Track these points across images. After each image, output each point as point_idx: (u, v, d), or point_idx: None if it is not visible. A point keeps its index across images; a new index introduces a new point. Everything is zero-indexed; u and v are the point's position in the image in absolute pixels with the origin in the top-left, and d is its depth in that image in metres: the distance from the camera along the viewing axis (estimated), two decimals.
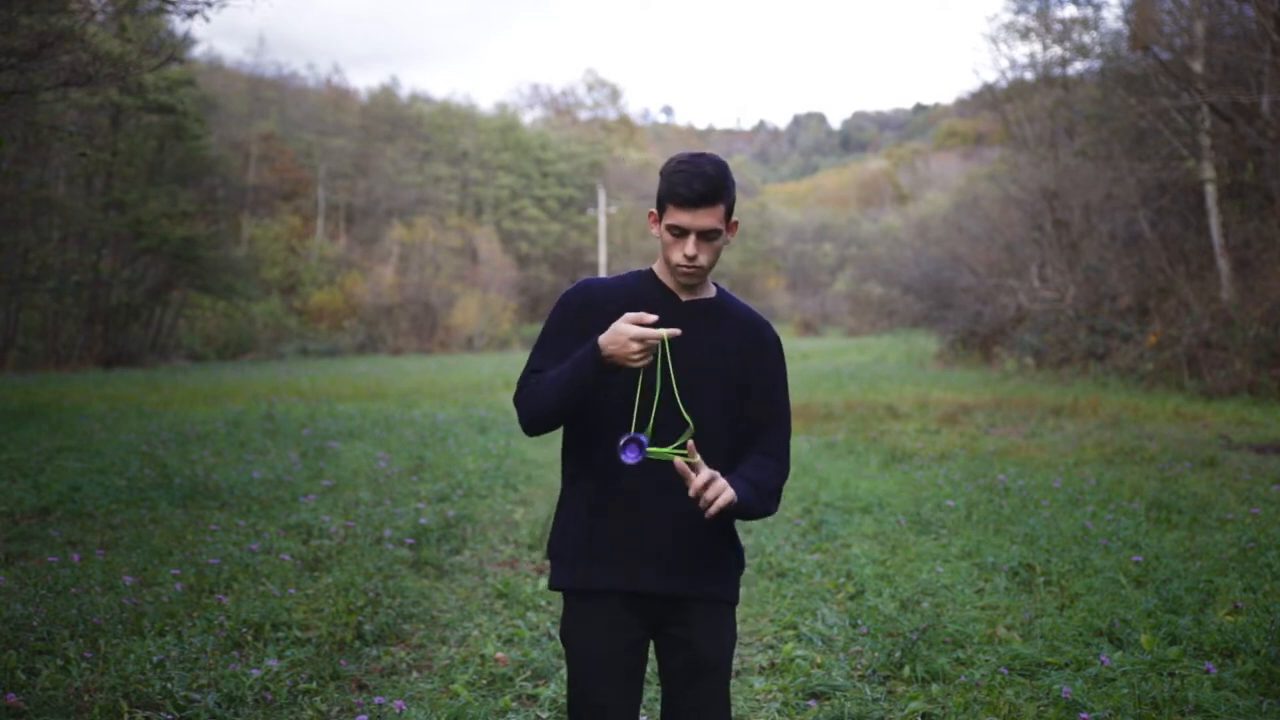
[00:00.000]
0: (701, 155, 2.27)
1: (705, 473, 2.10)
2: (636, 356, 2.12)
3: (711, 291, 2.40)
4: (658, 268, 2.40)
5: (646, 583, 2.29)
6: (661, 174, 2.29)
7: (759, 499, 2.25)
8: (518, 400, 2.34)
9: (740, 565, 2.43)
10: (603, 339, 2.15)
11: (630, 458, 2.12)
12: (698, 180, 2.21)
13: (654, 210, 2.33)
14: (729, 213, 2.29)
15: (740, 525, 6.64)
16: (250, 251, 42.45)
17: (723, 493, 2.09)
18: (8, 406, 13.98)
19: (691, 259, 2.26)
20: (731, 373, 2.33)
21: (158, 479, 7.92)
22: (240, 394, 17.60)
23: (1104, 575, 5.26)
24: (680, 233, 2.25)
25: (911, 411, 14.29)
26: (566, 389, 2.22)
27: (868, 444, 10.96)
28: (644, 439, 2.13)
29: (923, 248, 37.78)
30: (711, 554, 2.34)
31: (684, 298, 2.36)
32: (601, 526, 2.31)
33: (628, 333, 2.12)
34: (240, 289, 35.09)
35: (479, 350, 46.01)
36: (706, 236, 2.25)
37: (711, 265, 2.30)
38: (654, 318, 2.17)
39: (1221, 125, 17.73)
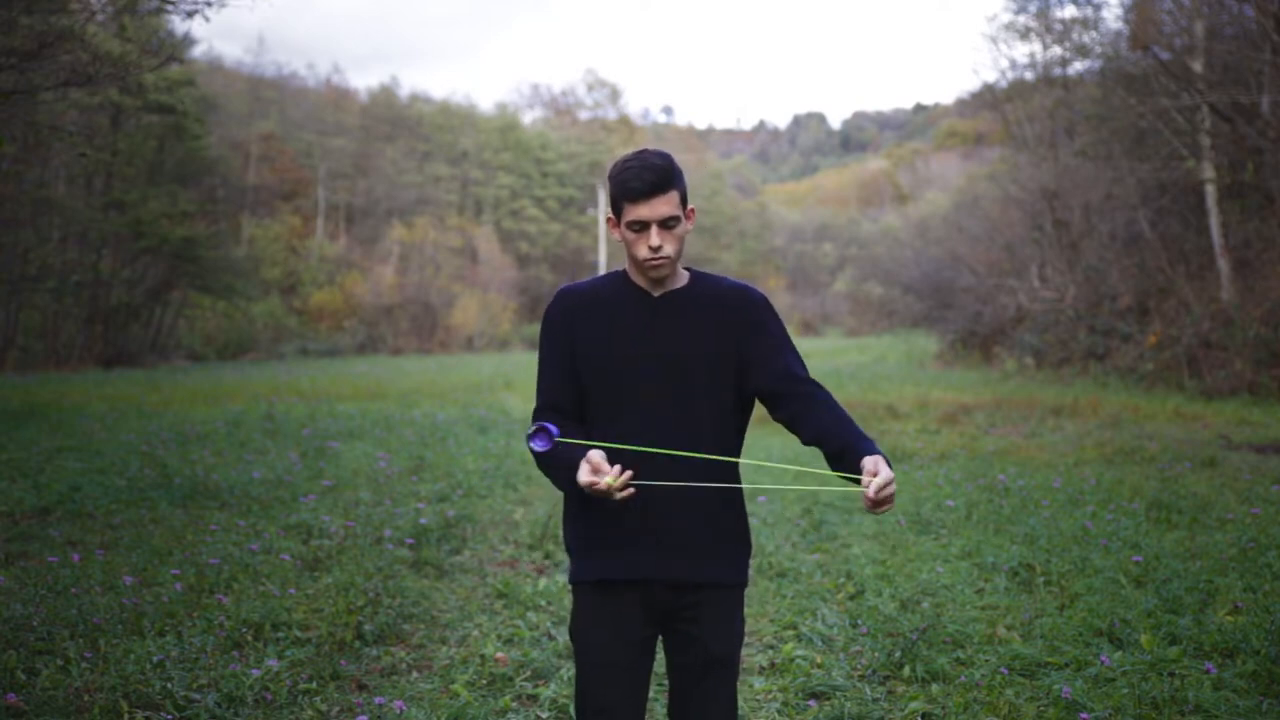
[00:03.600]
0: (645, 150, 2.32)
1: (882, 474, 2.13)
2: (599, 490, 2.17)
3: (683, 280, 2.42)
4: (629, 269, 2.42)
5: (657, 570, 2.31)
6: (610, 178, 2.31)
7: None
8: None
9: (750, 546, 2.45)
10: (580, 477, 2.19)
11: (539, 445, 2.20)
12: (647, 171, 2.25)
13: (611, 215, 2.35)
14: (683, 200, 2.32)
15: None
16: (250, 251, 42.41)
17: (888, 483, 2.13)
18: (8, 406, 13.98)
19: (657, 250, 2.28)
20: (719, 354, 2.35)
21: (158, 479, 7.92)
22: (240, 394, 17.60)
23: (1104, 575, 5.26)
24: (641, 226, 2.28)
25: (911, 411, 14.29)
26: (562, 488, 2.33)
27: None
28: (554, 429, 2.20)
29: (923, 248, 37.75)
30: (721, 540, 2.37)
31: (656, 293, 2.38)
32: (609, 518, 2.33)
33: (582, 481, 2.17)
34: (240, 289, 35.07)
35: (479, 350, 46.01)
36: (667, 225, 2.28)
37: (678, 254, 2.33)
38: (607, 475, 2.16)
39: (1221, 125, 17.73)
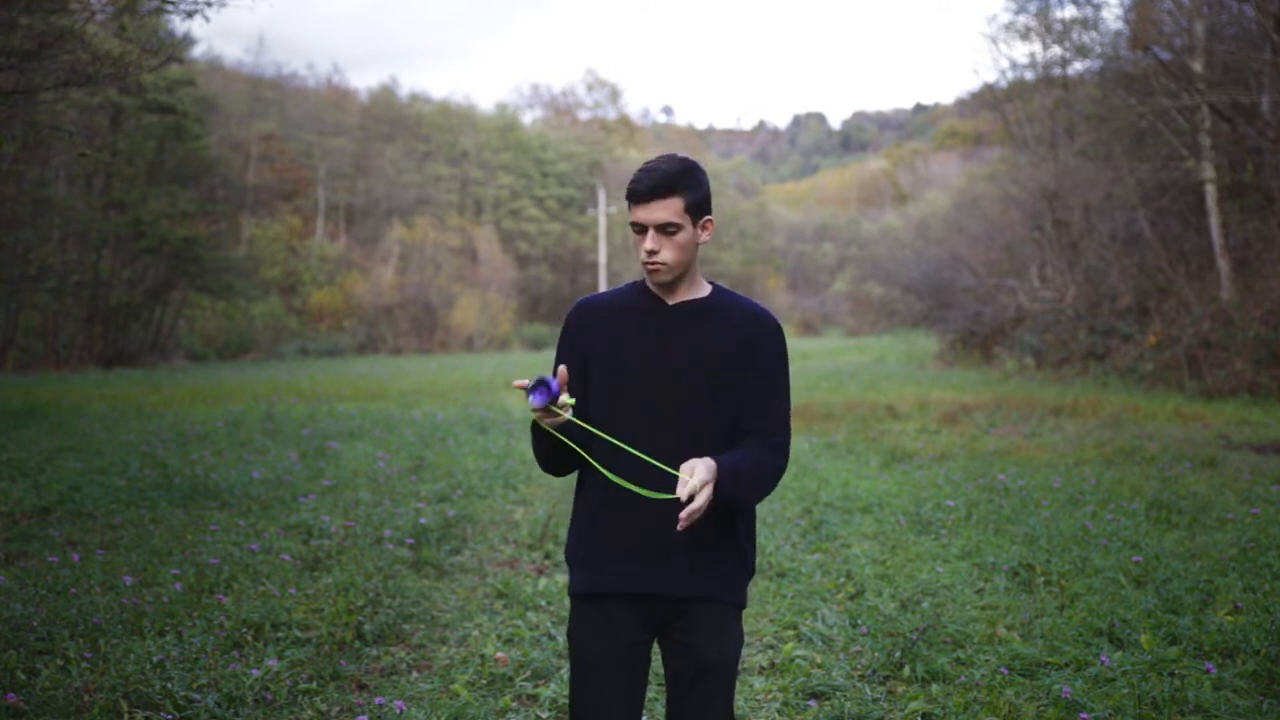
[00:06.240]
0: (663, 156, 2.31)
1: (693, 482, 2.11)
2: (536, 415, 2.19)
3: (704, 291, 2.39)
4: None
5: (652, 585, 2.31)
6: None
7: (742, 485, 2.24)
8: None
9: (749, 570, 2.42)
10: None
11: (537, 399, 2.15)
12: (646, 175, 2.25)
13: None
14: (693, 209, 2.27)
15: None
16: (250, 251, 42.44)
17: (698, 500, 2.10)
18: (8, 406, 13.98)
19: (652, 254, 2.27)
20: (723, 369, 2.32)
21: (158, 479, 7.92)
22: (240, 394, 17.60)
23: (1104, 575, 5.26)
24: (639, 228, 2.28)
25: (911, 411, 14.28)
26: (541, 451, 2.36)
27: (868, 444, 10.96)
28: (554, 384, 2.15)
29: (923, 248, 37.75)
30: (716, 557, 2.35)
31: (671, 301, 2.36)
32: (609, 531, 2.33)
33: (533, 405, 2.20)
34: (240, 289, 35.11)
35: (479, 350, 46.02)
36: (665, 230, 2.26)
37: (680, 262, 2.29)
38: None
39: (1221, 125, 17.73)
